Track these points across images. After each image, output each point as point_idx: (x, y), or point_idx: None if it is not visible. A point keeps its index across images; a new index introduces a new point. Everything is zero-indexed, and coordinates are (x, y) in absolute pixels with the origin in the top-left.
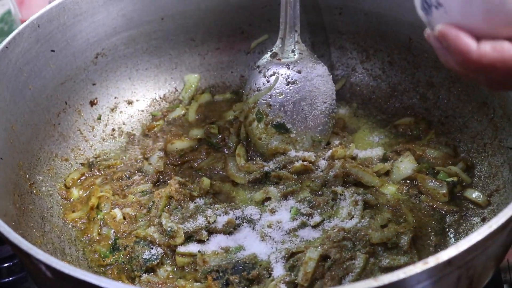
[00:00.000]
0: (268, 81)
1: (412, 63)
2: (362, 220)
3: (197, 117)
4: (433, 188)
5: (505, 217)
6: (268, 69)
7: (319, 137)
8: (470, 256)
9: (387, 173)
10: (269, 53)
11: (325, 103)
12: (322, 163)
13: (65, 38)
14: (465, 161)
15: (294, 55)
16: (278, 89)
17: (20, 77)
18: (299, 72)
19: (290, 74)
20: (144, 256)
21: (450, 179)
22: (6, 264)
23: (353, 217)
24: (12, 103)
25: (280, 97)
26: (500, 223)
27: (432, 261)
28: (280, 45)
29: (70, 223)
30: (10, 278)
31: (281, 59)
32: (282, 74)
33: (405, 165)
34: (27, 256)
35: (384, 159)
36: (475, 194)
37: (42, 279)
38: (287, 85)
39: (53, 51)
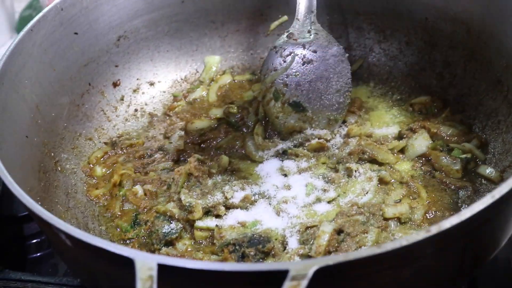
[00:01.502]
0: (284, 61)
1: (429, 43)
2: (376, 196)
3: (217, 97)
4: (447, 164)
5: (507, 187)
6: (284, 49)
7: (335, 115)
8: (473, 225)
9: (402, 151)
10: (286, 34)
11: (340, 82)
12: (338, 140)
13: (88, 21)
14: (479, 138)
15: (310, 35)
16: (294, 69)
17: (45, 59)
18: (315, 51)
19: (306, 54)
20: (164, 230)
21: (464, 155)
22: (34, 241)
23: (367, 192)
24: (37, 84)
25: (296, 77)
26: (503, 192)
27: (435, 229)
28: (297, 26)
29: (94, 200)
30: (38, 254)
31: (297, 39)
32: (298, 54)
33: (420, 143)
34: (48, 226)
35: (399, 137)
36: (488, 170)
37: (64, 248)
38: (303, 65)
39: (76, 33)
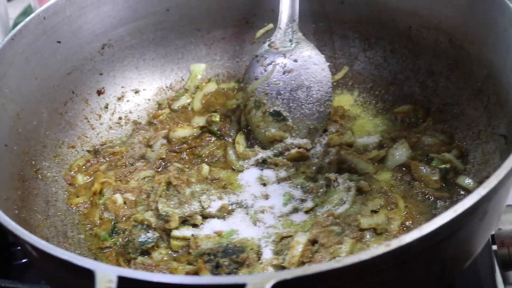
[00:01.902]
0: (265, 70)
1: (413, 51)
2: (354, 206)
3: (201, 105)
4: (426, 174)
5: (470, 202)
6: (265, 58)
7: (315, 125)
8: (436, 239)
9: (383, 160)
10: (267, 43)
11: (321, 91)
12: (319, 150)
13: (71, 29)
14: (459, 148)
15: (292, 44)
16: (275, 78)
17: (27, 68)
18: (296, 61)
19: (286, 63)
20: (140, 239)
21: (443, 166)
22: (19, 247)
23: (344, 202)
24: (18, 92)
25: (276, 86)
26: (465, 207)
27: (395, 243)
28: (278, 35)
29: (74, 208)
30: (23, 261)
31: (278, 48)
32: (279, 63)
33: (400, 152)
34: (15, 237)
35: (380, 146)
36: (467, 181)
37: (32, 258)
38: (283, 74)
39: (59, 42)
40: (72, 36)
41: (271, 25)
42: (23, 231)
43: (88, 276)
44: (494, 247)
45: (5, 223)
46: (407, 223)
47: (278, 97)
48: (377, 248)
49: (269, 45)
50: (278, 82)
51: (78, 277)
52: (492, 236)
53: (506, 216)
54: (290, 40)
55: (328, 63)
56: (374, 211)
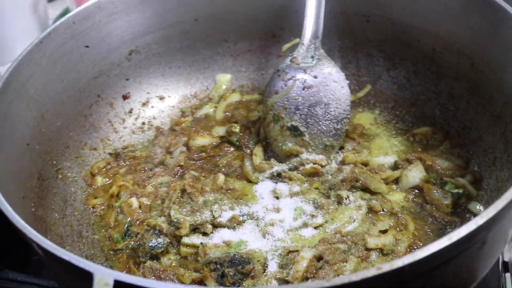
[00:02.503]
0: (285, 85)
1: (436, 73)
2: (362, 225)
3: (224, 115)
4: (438, 198)
5: (466, 231)
6: (286, 73)
7: (332, 142)
8: (429, 265)
9: (396, 181)
10: (289, 58)
11: (339, 108)
12: (334, 166)
13: (100, 35)
14: (474, 173)
15: (313, 60)
16: (295, 93)
17: (54, 70)
18: (316, 77)
19: (306, 79)
20: (151, 244)
21: (456, 190)
22: None
23: (354, 221)
24: (44, 94)
25: (295, 101)
26: (460, 236)
27: (386, 267)
28: (301, 50)
29: (91, 208)
30: None
31: (299, 64)
32: (299, 79)
33: (414, 174)
34: (23, 235)
35: (395, 166)
36: (478, 207)
37: (40, 256)
38: (303, 89)
39: (87, 46)
40: (100, 41)
41: (297, 40)
42: (30, 230)
43: (86, 277)
44: (508, 275)
45: (14, 220)
46: (415, 245)
47: (297, 112)
48: (368, 271)
49: (291, 60)
50: (297, 97)
51: (78, 277)
52: (506, 264)
53: None
54: (312, 57)
55: (347, 81)
56: (383, 231)
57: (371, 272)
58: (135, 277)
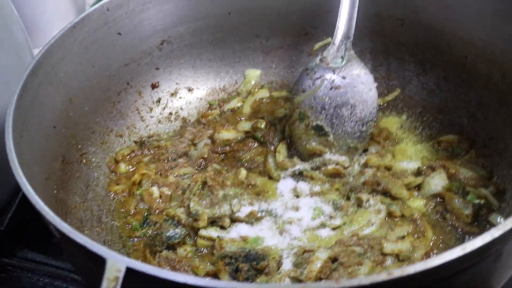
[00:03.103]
0: (313, 84)
1: (466, 81)
2: (380, 229)
3: (251, 110)
4: (459, 207)
5: (480, 243)
6: (315, 72)
7: (355, 144)
8: (442, 275)
9: (418, 187)
10: (319, 57)
11: (365, 111)
12: (356, 169)
13: (133, 23)
14: (497, 185)
15: (343, 61)
16: (322, 92)
17: (85, 55)
18: (344, 78)
19: (335, 79)
20: (168, 234)
21: (478, 201)
22: None
23: (372, 225)
24: (73, 78)
25: (322, 100)
26: (475, 247)
27: (397, 272)
28: (331, 50)
29: (112, 194)
30: None
31: (329, 64)
32: (327, 78)
33: (436, 182)
34: (41, 216)
35: (418, 172)
36: (498, 219)
37: (57, 239)
38: (330, 89)
39: (119, 34)
40: (133, 29)
41: (329, 39)
42: (48, 211)
43: (100, 262)
44: None
45: (33, 201)
46: (432, 253)
47: (323, 111)
48: (379, 275)
49: (320, 60)
50: (324, 97)
51: (92, 262)
52: None
53: None
54: (342, 57)
55: (376, 84)
56: (401, 237)
57: (381, 276)
58: (146, 265)
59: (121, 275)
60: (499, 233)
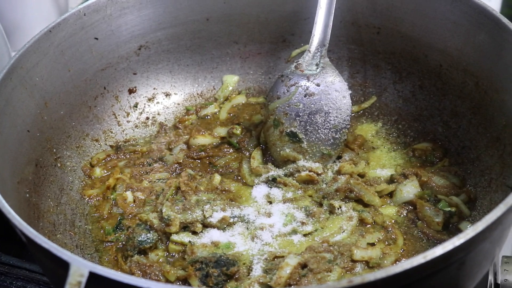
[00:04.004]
0: (288, 91)
1: (441, 90)
2: (351, 236)
3: (228, 116)
4: (430, 215)
5: (441, 251)
6: (290, 79)
7: (329, 150)
8: (402, 283)
9: (390, 194)
10: (294, 64)
11: (339, 118)
12: (329, 175)
13: (110, 28)
14: (469, 193)
15: (317, 68)
16: (296, 99)
17: (61, 60)
18: (318, 85)
19: (309, 86)
20: (140, 238)
21: (449, 209)
22: None
23: (344, 231)
24: (48, 82)
25: (296, 107)
26: (435, 255)
27: (357, 280)
28: (307, 57)
29: (86, 199)
30: None
31: (303, 71)
32: (301, 85)
33: (408, 189)
34: (7, 220)
35: (391, 180)
36: (469, 227)
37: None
38: (304, 96)
39: (96, 38)
40: (110, 34)
41: (307, 46)
42: (14, 215)
43: (64, 266)
44: None
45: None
46: (402, 260)
47: (297, 118)
48: (339, 282)
49: (295, 67)
50: (299, 104)
51: (57, 266)
52: (497, 285)
53: (511, 267)
54: (317, 64)
55: (350, 91)
56: (371, 244)
57: (341, 284)
58: (109, 270)
59: (84, 280)
60: (460, 242)
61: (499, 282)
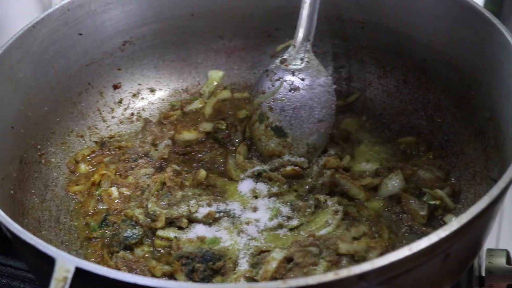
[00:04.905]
0: (273, 85)
1: (425, 84)
2: (337, 230)
3: (213, 111)
4: (414, 208)
5: (427, 243)
6: (275, 74)
7: (314, 145)
8: (389, 274)
9: (376, 188)
10: (279, 59)
11: (323, 112)
12: (315, 170)
13: (94, 23)
14: (453, 186)
15: (302, 63)
16: (281, 94)
17: (45, 56)
18: (303, 79)
19: (294, 81)
20: (125, 234)
21: (433, 202)
22: None
23: (329, 225)
24: (33, 78)
25: (281, 102)
26: (421, 247)
27: (343, 273)
28: (292, 52)
29: (71, 195)
30: None
31: (288, 65)
32: (286, 80)
33: (394, 183)
34: None
35: (376, 174)
36: (453, 220)
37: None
38: (289, 91)
39: (80, 34)
40: (94, 30)
41: (292, 41)
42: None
43: (49, 262)
44: None
45: None
46: (388, 253)
47: (282, 113)
48: (325, 275)
49: (280, 61)
50: (283, 98)
51: (42, 262)
52: (482, 278)
53: (495, 260)
54: (302, 59)
55: (334, 86)
56: (356, 238)
57: (328, 276)
58: (96, 265)
59: (70, 275)
60: (446, 234)
61: (483, 275)
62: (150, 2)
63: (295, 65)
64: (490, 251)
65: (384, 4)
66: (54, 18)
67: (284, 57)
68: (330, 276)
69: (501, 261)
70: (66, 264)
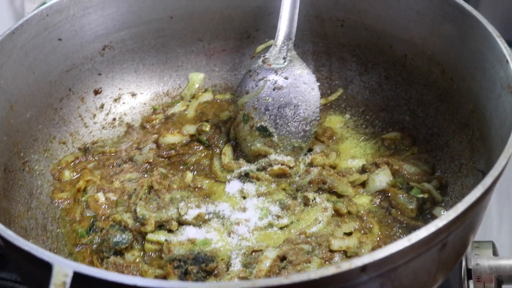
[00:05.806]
0: (256, 85)
1: (406, 80)
2: (327, 227)
3: (196, 114)
4: (403, 202)
5: (425, 233)
6: (258, 74)
7: (300, 143)
8: (389, 266)
9: (363, 184)
10: (261, 58)
11: (308, 110)
12: (302, 168)
13: (74, 28)
14: (440, 179)
15: (285, 62)
16: (265, 93)
17: (25, 62)
18: (286, 78)
19: (277, 80)
20: (115, 239)
21: (421, 195)
22: None
23: (319, 222)
24: (13, 85)
25: (265, 101)
26: (419, 237)
27: (346, 266)
28: (274, 52)
29: (57, 202)
30: None
31: (271, 65)
32: (270, 80)
33: (381, 178)
34: None
35: (363, 170)
36: (442, 212)
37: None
38: (273, 90)
39: (60, 39)
40: (74, 34)
41: (272, 41)
42: None
43: (46, 268)
44: (471, 282)
45: None
46: (381, 247)
47: (266, 112)
48: (327, 269)
49: (262, 61)
50: (268, 98)
51: (38, 268)
52: (469, 270)
53: (483, 252)
54: (284, 58)
55: (318, 84)
56: (348, 234)
57: (330, 270)
58: (94, 269)
59: (68, 280)
60: (443, 223)
61: (470, 267)
62: (129, 6)
63: (277, 64)
64: (476, 243)
65: (364, 1)
66: (33, 23)
67: (267, 56)
68: (332, 270)
69: (488, 252)
70: (63, 269)
